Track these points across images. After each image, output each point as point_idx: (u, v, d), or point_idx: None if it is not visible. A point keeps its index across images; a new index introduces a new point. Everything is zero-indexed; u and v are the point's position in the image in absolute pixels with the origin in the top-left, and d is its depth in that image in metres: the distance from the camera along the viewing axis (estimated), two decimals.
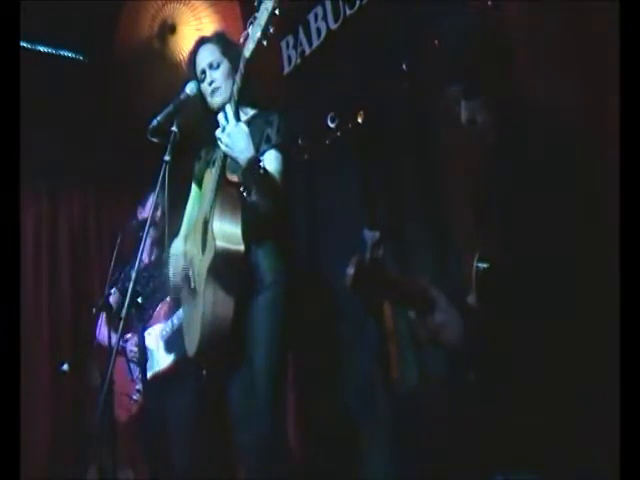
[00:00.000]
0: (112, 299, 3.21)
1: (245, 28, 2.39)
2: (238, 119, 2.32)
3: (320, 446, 3.29)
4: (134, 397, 3.26)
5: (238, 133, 2.28)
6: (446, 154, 2.74)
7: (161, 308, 3.31)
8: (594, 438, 1.40)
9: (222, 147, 2.31)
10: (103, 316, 3.20)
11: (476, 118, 1.69)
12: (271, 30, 2.20)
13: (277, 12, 2.17)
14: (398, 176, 3.01)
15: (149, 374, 3.17)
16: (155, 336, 3.25)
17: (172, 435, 3.17)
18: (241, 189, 2.34)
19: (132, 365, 3.28)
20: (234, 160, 2.31)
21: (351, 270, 1.54)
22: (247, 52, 2.26)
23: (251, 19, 2.25)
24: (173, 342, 3.11)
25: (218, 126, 2.36)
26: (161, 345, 3.23)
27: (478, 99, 1.68)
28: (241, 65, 2.29)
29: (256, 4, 2.24)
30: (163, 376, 3.20)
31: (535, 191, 1.54)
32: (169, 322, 3.19)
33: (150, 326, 3.28)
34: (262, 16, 2.19)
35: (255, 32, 2.21)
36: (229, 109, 2.32)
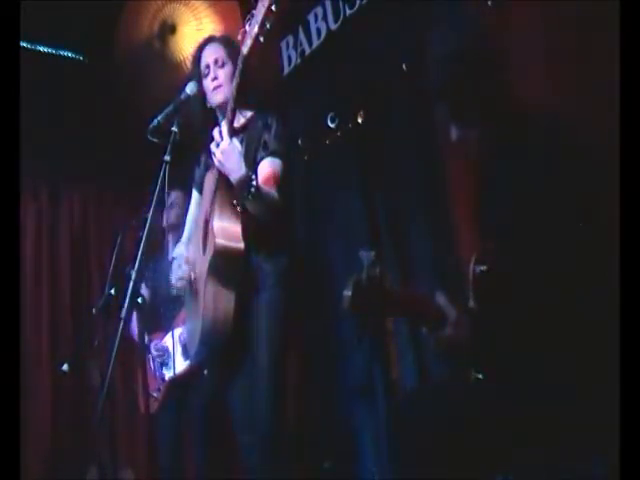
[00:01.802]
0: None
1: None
2: (232, 135, 2.30)
3: (320, 445, 3.30)
4: (154, 394, 3.31)
5: (230, 152, 2.26)
6: (446, 154, 2.74)
7: (182, 311, 3.32)
8: (594, 438, 1.40)
9: (215, 162, 2.31)
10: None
11: (467, 135, 1.68)
12: (268, 26, 2.18)
13: (273, 8, 2.16)
14: (398, 176, 3.01)
15: (168, 376, 3.23)
16: (175, 339, 3.28)
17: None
18: (235, 203, 2.33)
19: (155, 364, 3.31)
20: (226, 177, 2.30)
21: (348, 292, 1.49)
22: (245, 48, 2.25)
23: (249, 16, 2.24)
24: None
25: (218, 125, 2.36)
26: (179, 348, 3.25)
27: (467, 118, 1.67)
28: (239, 62, 2.27)
29: (254, 1, 2.23)
30: (180, 379, 3.22)
31: (534, 193, 1.54)
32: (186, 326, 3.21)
33: (173, 329, 3.30)
34: (259, 12, 2.19)
35: (252, 28, 2.21)
36: (224, 125, 2.30)
